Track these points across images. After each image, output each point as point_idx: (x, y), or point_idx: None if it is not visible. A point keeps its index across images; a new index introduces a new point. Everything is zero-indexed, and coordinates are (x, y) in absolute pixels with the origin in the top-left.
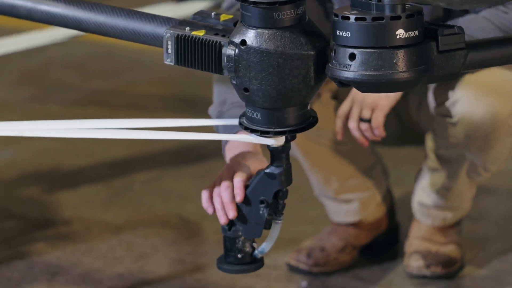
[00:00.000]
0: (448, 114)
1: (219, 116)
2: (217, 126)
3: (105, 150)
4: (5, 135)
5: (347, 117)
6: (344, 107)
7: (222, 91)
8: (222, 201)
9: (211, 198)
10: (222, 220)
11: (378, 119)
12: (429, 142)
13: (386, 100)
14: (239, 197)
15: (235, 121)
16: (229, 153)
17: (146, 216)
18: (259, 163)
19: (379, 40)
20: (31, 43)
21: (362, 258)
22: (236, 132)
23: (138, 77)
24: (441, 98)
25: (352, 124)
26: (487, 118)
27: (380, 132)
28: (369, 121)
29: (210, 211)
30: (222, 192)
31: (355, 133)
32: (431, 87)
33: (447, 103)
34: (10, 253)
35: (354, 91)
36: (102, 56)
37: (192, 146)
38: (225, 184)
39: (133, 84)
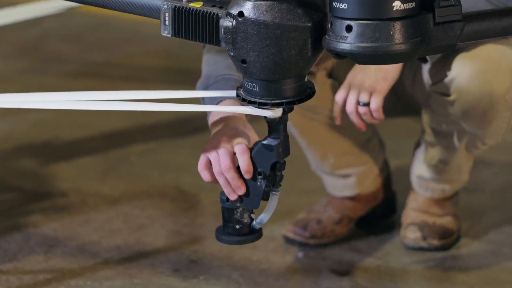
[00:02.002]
0: (445, 92)
1: (205, 90)
2: (203, 98)
3: (102, 122)
4: (1, 107)
5: (344, 102)
6: (342, 92)
7: (209, 65)
8: (226, 178)
9: (208, 167)
10: (233, 197)
11: (377, 102)
12: (425, 117)
13: (384, 83)
14: (248, 175)
15: (233, 93)
16: (213, 118)
17: (143, 188)
18: (250, 129)
19: (376, 12)
20: (27, 15)
21: (359, 229)
22: (219, 103)
23: (135, 49)
24: (437, 76)
25: (350, 109)
26: (485, 95)
27: (379, 115)
28: (367, 104)
29: (217, 182)
30: (227, 172)
31: (353, 118)
32: (427, 65)
33: (444, 81)
34: (7, 225)
35: (351, 76)
36: (99, 28)
37: (189, 118)
38: (227, 163)
39: (130, 56)
